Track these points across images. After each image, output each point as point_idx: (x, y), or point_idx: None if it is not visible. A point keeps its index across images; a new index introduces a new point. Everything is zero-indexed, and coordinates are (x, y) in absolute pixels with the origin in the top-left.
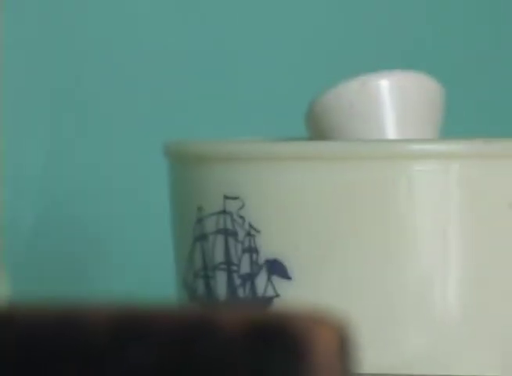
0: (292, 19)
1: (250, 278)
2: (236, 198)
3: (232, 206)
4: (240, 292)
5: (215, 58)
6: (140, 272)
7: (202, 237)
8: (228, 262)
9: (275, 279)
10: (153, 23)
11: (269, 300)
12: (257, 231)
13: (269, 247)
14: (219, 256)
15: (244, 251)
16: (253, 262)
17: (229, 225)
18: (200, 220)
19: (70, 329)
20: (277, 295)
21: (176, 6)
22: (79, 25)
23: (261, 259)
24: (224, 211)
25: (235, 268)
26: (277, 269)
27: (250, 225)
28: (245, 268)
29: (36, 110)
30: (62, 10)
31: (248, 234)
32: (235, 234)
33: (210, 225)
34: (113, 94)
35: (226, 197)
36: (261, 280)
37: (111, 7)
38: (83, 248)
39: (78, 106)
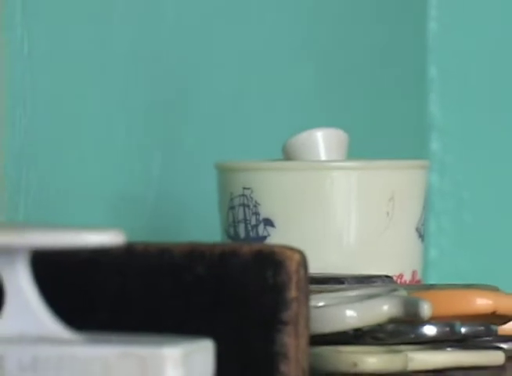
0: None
1: (255, 227)
2: (248, 188)
3: (247, 192)
4: (251, 234)
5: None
6: (202, 226)
7: (232, 207)
8: (245, 219)
9: (268, 227)
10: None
11: (264, 238)
12: (259, 204)
13: (265, 212)
14: (241, 216)
15: (253, 213)
16: (257, 219)
17: (245, 201)
18: (231, 199)
19: (166, 255)
20: (269, 235)
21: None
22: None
23: (261, 218)
24: (243, 195)
25: (248, 222)
26: (268, 222)
27: (256, 201)
28: (253, 222)
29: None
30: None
31: (255, 206)
32: (248, 206)
33: (236, 201)
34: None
35: (244, 188)
36: (260, 228)
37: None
38: (174, 223)
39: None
